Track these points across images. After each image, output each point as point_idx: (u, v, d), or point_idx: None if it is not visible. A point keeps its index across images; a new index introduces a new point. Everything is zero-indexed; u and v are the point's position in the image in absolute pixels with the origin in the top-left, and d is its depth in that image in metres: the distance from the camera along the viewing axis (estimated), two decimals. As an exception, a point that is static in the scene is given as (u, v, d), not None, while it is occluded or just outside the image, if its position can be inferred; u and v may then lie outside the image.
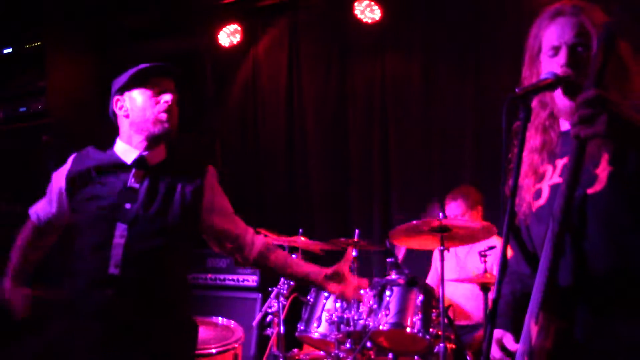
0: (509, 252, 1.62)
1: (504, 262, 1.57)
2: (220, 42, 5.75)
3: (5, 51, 5.26)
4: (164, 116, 2.36)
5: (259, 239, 2.52)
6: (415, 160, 5.22)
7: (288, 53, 5.76)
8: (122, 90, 2.40)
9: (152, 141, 2.39)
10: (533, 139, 1.86)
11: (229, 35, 5.74)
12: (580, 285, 1.66)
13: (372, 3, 5.25)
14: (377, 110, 5.41)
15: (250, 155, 5.85)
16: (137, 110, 2.37)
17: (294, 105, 5.75)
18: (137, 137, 2.39)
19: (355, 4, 5.27)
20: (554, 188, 1.77)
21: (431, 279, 4.49)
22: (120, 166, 2.38)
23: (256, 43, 5.87)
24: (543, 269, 1.63)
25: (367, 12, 5.28)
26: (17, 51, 5.22)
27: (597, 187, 1.64)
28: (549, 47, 1.78)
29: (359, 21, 5.31)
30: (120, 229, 2.26)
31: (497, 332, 1.82)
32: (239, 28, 5.73)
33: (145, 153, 2.38)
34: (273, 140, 5.81)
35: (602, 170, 1.63)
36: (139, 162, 2.37)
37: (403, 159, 5.27)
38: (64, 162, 2.47)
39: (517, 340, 1.76)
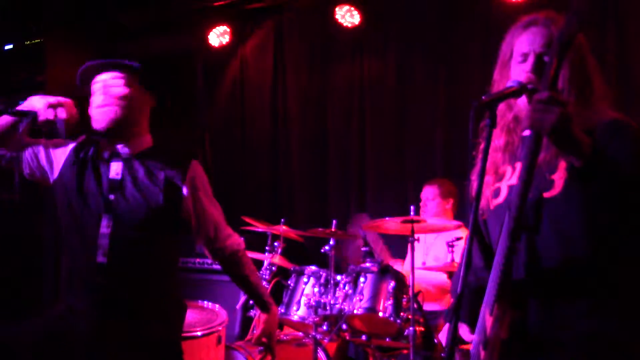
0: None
1: (468, 261, 1.56)
2: (210, 42, 5.71)
3: (7, 47, 5.19)
4: (94, 115, 2.27)
5: (234, 243, 2.45)
6: (389, 155, 5.20)
7: (274, 53, 5.73)
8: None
9: (110, 135, 2.29)
10: (498, 139, 1.85)
11: (218, 36, 5.70)
12: (532, 279, 1.65)
13: (352, 8, 5.22)
14: (355, 108, 5.39)
15: (237, 148, 5.81)
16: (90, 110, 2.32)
17: (278, 102, 5.71)
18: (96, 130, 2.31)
19: (337, 9, 5.24)
20: (511, 188, 1.76)
21: (403, 265, 4.48)
22: (103, 158, 2.31)
23: (244, 43, 5.83)
24: (498, 263, 1.62)
25: (347, 16, 5.26)
26: (18, 47, 5.15)
27: (553, 192, 1.63)
28: (519, 54, 1.77)
29: (340, 25, 5.29)
30: (106, 219, 2.21)
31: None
32: (228, 29, 5.69)
33: (119, 146, 2.30)
34: (258, 135, 5.78)
35: (559, 177, 1.63)
36: (113, 154, 2.30)
37: (378, 155, 5.26)
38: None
39: (472, 331, 1.74)
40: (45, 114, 2.16)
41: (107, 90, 2.26)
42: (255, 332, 2.44)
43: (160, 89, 2.41)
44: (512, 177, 1.78)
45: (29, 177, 2.37)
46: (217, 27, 5.67)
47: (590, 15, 4.12)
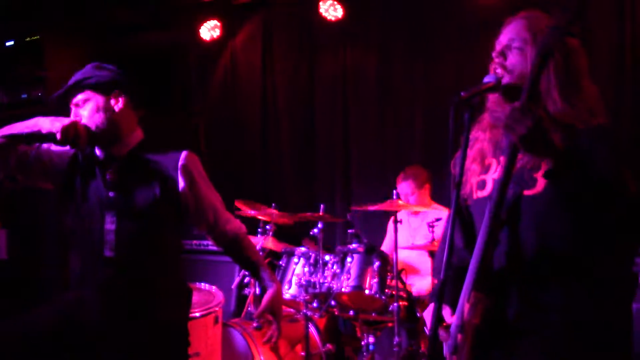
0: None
1: (450, 247, 1.55)
2: (201, 36, 5.63)
3: (8, 43, 5.09)
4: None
5: (235, 227, 2.41)
6: (372, 142, 5.19)
7: (262, 46, 5.67)
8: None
9: (100, 144, 2.28)
10: (484, 131, 1.83)
11: (209, 30, 5.62)
12: (512, 270, 1.64)
13: (335, 2, 5.16)
14: (339, 97, 5.36)
15: (229, 136, 5.76)
16: None
17: (267, 93, 5.66)
18: None
19: (320, 3, 5.18)
20: (496, 183, 1.74)
21: (385, 246, 4.48)
22: (97, 158, 2.28)
23: (234, 37, 5.76)
24: (476, 255, 1.61)
25: (331, 10, 5.20)
26: (19, 43, 5.06)
27: (535, 190, 1.62)
28: (498, 41, 1.77)
29: (324, 18, 5.23)
30: (110, 216, 2.19)
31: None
32: (219, 24, 5.62)
33: (112, 148, 2.27)
34: (249, 123, 5.73)
35: (541, 176, 1.60)
36: (107, 156, 2.27)
37: (362, 142, 5.25)
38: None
39: (453, 312, 1.74)
40: (59, 134, 2.13)
41: (77, 113, 2.25)
42: (259, 307, 2.38)
43: (136, 87, 2.35)
44: (497, 170, 1.76)
45: (37, 185, 2.35)
46: (208, 22, 5.59)
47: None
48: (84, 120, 2.24)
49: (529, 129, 1.42)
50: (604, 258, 1.58)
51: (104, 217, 2.19)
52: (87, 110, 2.25)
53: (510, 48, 1.71)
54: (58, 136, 2.13)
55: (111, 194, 2.22)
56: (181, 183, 2.26)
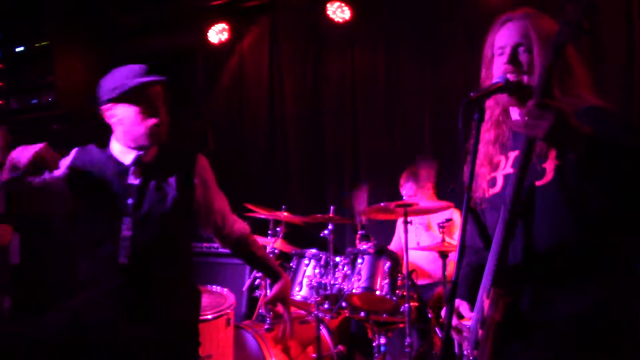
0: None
1: (462, 249, 1.56)
2: (209, 39, 5.66)
3: (17, 49, 5.14)
4: (153, 130, 2.22)
5: (240, 228, 2.45)
6: (380, 143, 5.18)
7: (269, 48, 5.68)
8: (111, 101, 2.23)
9: (143, 148, 2.26)
10: (489, 133, 1.86)
11: (217, 33, 5.66)
12: (527, 264, 1.66)
13: (343, 4, 5.18)
14: (347, 99, 5.37)
15: (237, 139, 5.78)
16: (127, 124, 2.22)
17: (275, 95, 5.67)
18: (130, 143, 2.26)
19: (328, 5, 5.21)
20: (507, 177, 1.77)
21: (394, 245, 4.49)
22: (118, 165, 2.26)
23: (241, 40, 5.78)
24: (495, 250, 1.63)
25: (338, 12, 5.22)
26: (28, 49, 5.10)
27: (544, 180, 1.63)
28: (498, 48, 1.79)
29: (331, 20, 5.25)
30: (126, 222, 2.18)
31: (455, 301, 1.82)
32: (226, 27, 5.65)
33: (140, 153, 2.26)
34: (257, 126, 5.75)
35: (550, 165, 1.62)
36: (136, 162, 2.25)
37: (370, 142, 5.25)
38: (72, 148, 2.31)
39: (472, 309, 1.76)
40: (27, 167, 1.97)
41: (160, 114, 2.21)
42: (269, 295, 2.42)
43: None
44: (506, 166, 1.78)
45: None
46: (216, 25, 5.63)
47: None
48: (164, 117, 2.22)
49: (552, 124, 1.41)
50: (614, 249, 1.60)
51: (121, 223, 2.18)
52: (164, 105, 2.24)
53: (518, 51, 1.73)
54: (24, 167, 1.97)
55: (130, 200, 2.21)
56: (196, 186, 2.30)
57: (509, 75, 1.72)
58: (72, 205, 2.27)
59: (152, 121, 2.21)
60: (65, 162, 2.26)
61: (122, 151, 2.28)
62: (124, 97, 2.19)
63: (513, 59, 1.72)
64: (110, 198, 2.21)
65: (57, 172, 2.22)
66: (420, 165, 4.41)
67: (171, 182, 2.25)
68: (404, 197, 4.29)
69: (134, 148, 2.25)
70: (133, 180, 2.24)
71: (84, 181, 2.23)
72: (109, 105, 2.24)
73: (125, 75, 2.21)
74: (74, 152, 2.31)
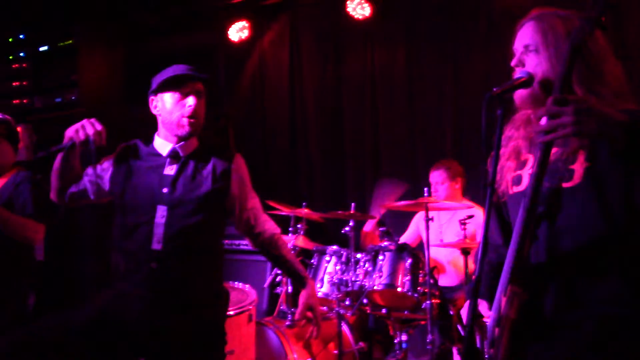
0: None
1: (485, 245, 1.56)
2: (230, 37, 5.70)
3: (42, 49, 5.22)
4: (185, 121, 2.34)
5: (271, 228, 2.52)
6: (401, 140, 5.18)
7: (290, 46, 5.70)
8: (156, 91, 2.39)
9: (180, 138, 2.38)
10: (518, 129, 1.84)
11: (238, 31, 5.69)
12: (552, 264, 1.64)
13: (363, 1, 5.18)
14: (368, 96, 5.36)
15: (258, 136, 5.82)
16: (166, 112, 2.37)
17: (295, 92, 5.70)
18: (169, 134, 2.39)
19: (348, 2, 5.21)
20: (531, 177, 1.75)
21: (406, 238, 4.44)
22: (157, 157, 2.39)
23: (262, 38, 5.81)
24: (512, 249, 1.62)
25: (358, 9, 5.22)
26: (52, 49, 5.19)
27: (573, 181, 1.62)
28: (515, 48, 1.79)
29: (351, 17, 5.24)
30: (161, 210, 2.28)
31: None
32: (247, 25, 5.68)
33: (177, 146, 2.38)
34: (278, 123, 5.77)
35: (579, 166, 1.61)
36: (172, 154, 2.38)
37: (391, 140, 5.24)
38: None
39: (490, 307, 1.74)
40: (77, 137, 2.21)
41: (198, 101, 2.35)
42: (298, 307, 2.48)
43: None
44: (533, 166, 1.76)
45: (96, 201, 2.47)
46: (237, 23, 5.66)
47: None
48: (200, 111, 2.37)
49: (574, 118, 1.41)
50: None
51: (156, 211, 2.28)
52: (202, 102, 2.39)
53: (527, 53, 1.73)
54: (75, 139, 2.21)
55: (165, 189, 2.31)
56: (233, 185, 2.38)
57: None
58: (110, 198, 2.43)
59: (189, 109, 2.33)
60: (110, 158, 2.44)
61: (161, 144, 2.41)
62: (167, 85, 2.34)
63: (520, 60, 1.74)
64: (147, 189, 2.32)
65: (102, 165, 2.43)
66: (454, 161, 4.39)
67: (207, 174, 2.34)
68: (431, 184, 4.26)
69: (173, 138, 2.38)
70: (169, 171, 2.35)
71: (124, 175, 2.36)
72: (154, 96, 2.41)
73: (172, 70, 2.37)
74: (119, 148, 2.46)
